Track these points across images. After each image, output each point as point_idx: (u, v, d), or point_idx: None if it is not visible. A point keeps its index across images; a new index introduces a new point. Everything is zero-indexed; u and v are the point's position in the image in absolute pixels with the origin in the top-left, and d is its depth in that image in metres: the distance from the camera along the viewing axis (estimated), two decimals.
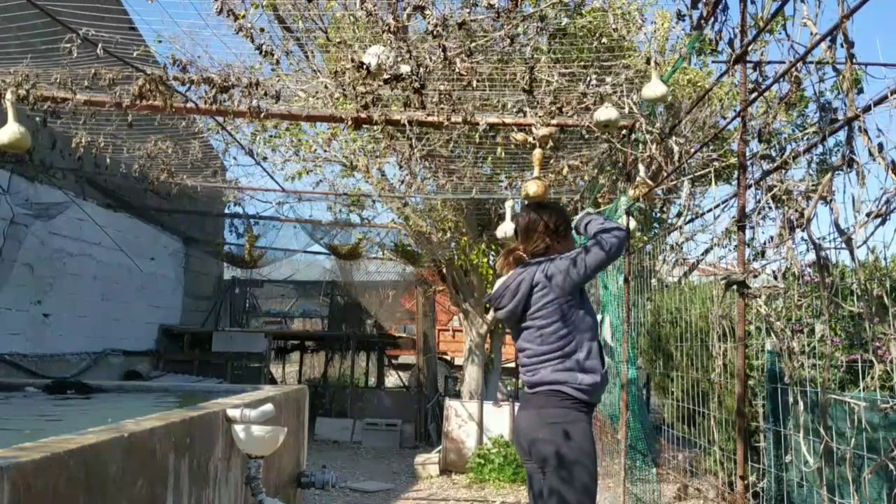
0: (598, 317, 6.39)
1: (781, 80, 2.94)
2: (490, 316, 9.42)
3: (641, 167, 4.66)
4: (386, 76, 3.67)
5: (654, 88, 3.84)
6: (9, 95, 4.39)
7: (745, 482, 2.95)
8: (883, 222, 2.32)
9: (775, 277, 3.16)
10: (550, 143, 4.83)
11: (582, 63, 5.11)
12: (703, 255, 7.45)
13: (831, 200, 2.44)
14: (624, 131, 4.94)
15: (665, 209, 8.33)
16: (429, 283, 11.75)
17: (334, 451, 9.94)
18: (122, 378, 9.55)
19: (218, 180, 8.09)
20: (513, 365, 12.37)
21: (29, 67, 4.60)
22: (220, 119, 6.03)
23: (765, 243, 3.03)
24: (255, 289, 15.04)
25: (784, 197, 2.76)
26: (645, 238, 7.06)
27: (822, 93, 2.88)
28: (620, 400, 5.13)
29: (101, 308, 9.67)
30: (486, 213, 8.78)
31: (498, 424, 8.45)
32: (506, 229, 4.95)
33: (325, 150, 7.68)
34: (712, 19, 3.01)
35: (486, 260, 9.10)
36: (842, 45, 2.35)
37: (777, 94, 4.53)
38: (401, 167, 7.36)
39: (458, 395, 10.09)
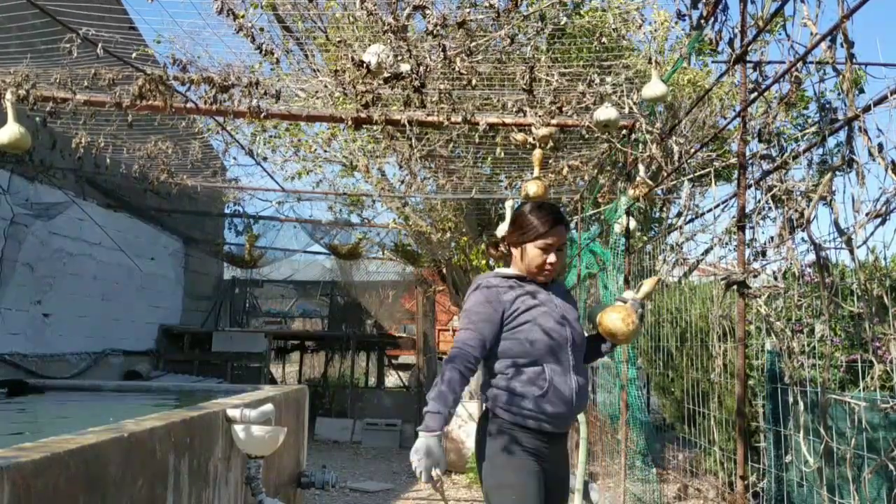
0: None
1: (781, 80, 2.94)
2: None
3: (641, 167, 4.66)
4: (386, 75, 3.68)
5: (654, 88, 3.84)
6: (9, 95, 4.39)
7: (746, 482, 2.94)
8: (883, 222, 2.32)
9: (775, 277, 3.17)
10: (550, 143, 4.83)
11: (582, 63, 5.12)
12: (703, 255, 7.45)
13: (831, 200, 2.44)
14: (624, 131, 4.94)
15: (665, 209, 8.33)
16: (429, 283, 11.75)
17: (334, 451, 9.94)
18: (122, 378, 9.55)
19: (218, 180, 8.09)
20: None
21: (29, 67, 4.60)
22: (220, 119, 6.03)
23: (765, 243, 3.03)
24: (255, 289, 15.03)
25: (784, 197, 2.76)
26: (645, 238, 7.06)
27: (822, 93, 2.88)
28: (620, 400, 5.13)
29: (101, 308, 9.67)
30: (486, 213, 8.78)
31: None
32: (506, 229, 4.95)
33: (325, 150, 7.68)
34: (712, 19, 3.01)
35: (485, 261, 9.11)
36: (842, 45, 2.35)
37: (777, 94, 4.54)
38: (401, 167, 7.37)
39: None
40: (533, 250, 2.56)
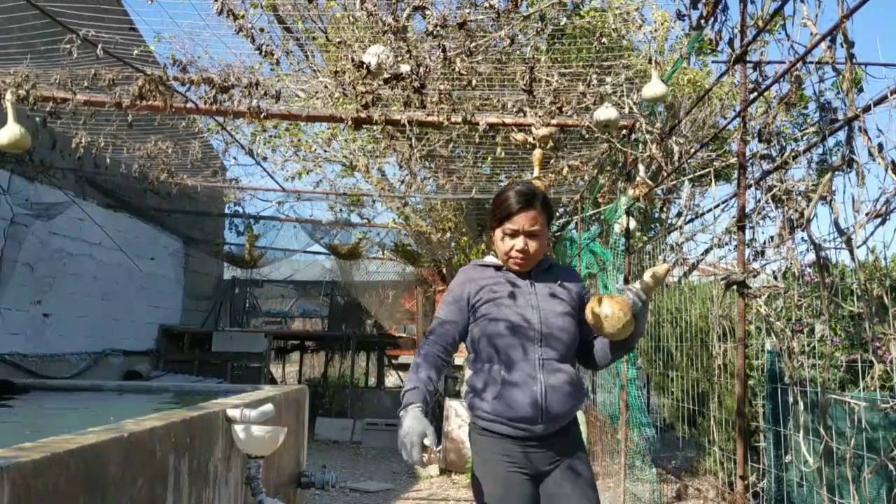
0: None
1: (781, 80, 2.95)
2: None
3: (641, 167, 4.67)
4: (386, 76, 3.68)
5: (654, 88, 3.84)
6: (9, 96, 4.40)
7: (745, 482, 2.95)
8: (883, 222, 2.33)
9: (775, 277, 3.17)
10: (550, 143, 4.83)
11: (582, 63, 5.12)
12: (703, 255, 7.46)
13: (831, 200, 2.45)
14: (624, 131, 4.94)
15: (665, 209, 8.34)
16: (429, 283, 11.75)
17: (334, 451, 9.94)
18: (122, 378, 9.55)
19: (218, 180, 8.09)
20: None
21: (29, 68, 4.61)
22: (220, 119, 6.04)
23: (765, 243, 3.03)
24: (255, 289, 15.04)
25: (784, 197, 2.76)
26: (645, 238, 7.06)
27: (822, 93, 2.88)
28: (620, 400, 5.14)
29: (101, 308, 9.68)
30: (486, 213, 8.79)
31: None
32: None
33: (325, 150, 7.69)
34: (712, 19, 3.01)
35: None
36: (842, 45, 2.35)
37: (777, 94, 4.54)
38: (401, 167, 7.37)
39: (458, 395, 10.10)
40: (499, 234, 2.32)
